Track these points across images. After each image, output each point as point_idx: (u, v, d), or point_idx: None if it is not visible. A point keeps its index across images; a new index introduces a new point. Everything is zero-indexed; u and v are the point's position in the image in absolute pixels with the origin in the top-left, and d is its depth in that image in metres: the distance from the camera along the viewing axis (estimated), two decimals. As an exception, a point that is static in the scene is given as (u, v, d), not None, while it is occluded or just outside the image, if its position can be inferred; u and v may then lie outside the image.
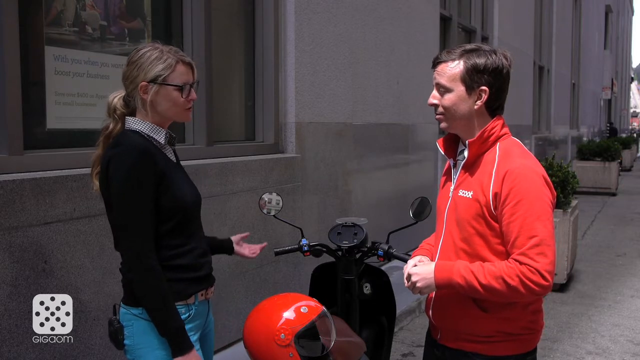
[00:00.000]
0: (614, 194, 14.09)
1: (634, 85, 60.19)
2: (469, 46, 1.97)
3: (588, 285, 6.26)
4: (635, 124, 58.60)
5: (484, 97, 1.93)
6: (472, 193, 1.94)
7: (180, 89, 1.98)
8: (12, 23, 2.68)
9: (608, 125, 29.66)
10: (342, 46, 5.15)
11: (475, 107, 1.95)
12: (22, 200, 2.55)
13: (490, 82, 1.93)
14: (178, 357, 1.91)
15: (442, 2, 7.68)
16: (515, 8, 11.23)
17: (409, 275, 1.98)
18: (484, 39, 9.53)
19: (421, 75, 6.60)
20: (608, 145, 14.38)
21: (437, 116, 2.02)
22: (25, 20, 2.82)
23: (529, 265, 1.80)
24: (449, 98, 1.95)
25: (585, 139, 20.17)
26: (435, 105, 2.00)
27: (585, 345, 4.61)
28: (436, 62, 2.00)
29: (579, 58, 19.56)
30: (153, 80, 1.95)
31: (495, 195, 1.88)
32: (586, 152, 14.36)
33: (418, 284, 1.94)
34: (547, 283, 1.80)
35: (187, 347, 1.92)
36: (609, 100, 31.47)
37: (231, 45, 4.51)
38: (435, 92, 2.00)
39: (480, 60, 1.92)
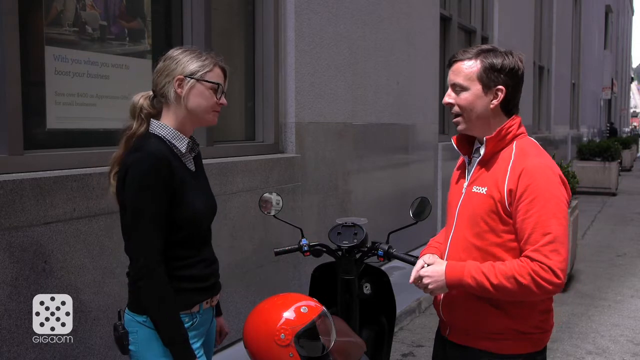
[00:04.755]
0: (614, 194, 14.08)
1: (634, 85, 60.20)
2: (484, 46, 1.99)
3: (588, 285, 6.25)
4: (635, 124, 58.59)
5: (501, 96, 1.94)
6: (486, 189, 1.94)
7: (215, 88, 1.97)
8: (12, 23, 2.68)
9: (608, 125, 29.63)
10: (342, 46, 5.15)
11: (491, 106, 1.95)
12: (22, 200, 2.55)
13: (507, 81, 1.94)
14: None
15: (442, 2, 7.67)
16: (515, 8, 11.23)
17: (420, 277, 1.98)
18: (484, 39, 9.53)
19: (421, 75, 6.59)
20: (608, 145, 14.38)
21: (455, 118, 2.02)
22: (25, 20, 2.82)
23: (541, 262, 1.80)
24: (465, 97, 1.96)
25: (585, 139, 20.17)
26: (451, 105, 2.00)
27: (585, 345, 4.61)
28: (452, 61, 2.00)
29: (579, 58, 19.56)
30: (190, 75, 1.93)
31: (510, 191, 1.88)
32: (586, 152, 14.35)
33: (430, 286, 1.95)
34: (559, 281, 1.80)
35: (189, 358, 1.91)
36: (609, 100, 31.46)
37: (231, 45, 4.50)
38: (450, 92, 2.00)
39: (497, 60, 1.93)
